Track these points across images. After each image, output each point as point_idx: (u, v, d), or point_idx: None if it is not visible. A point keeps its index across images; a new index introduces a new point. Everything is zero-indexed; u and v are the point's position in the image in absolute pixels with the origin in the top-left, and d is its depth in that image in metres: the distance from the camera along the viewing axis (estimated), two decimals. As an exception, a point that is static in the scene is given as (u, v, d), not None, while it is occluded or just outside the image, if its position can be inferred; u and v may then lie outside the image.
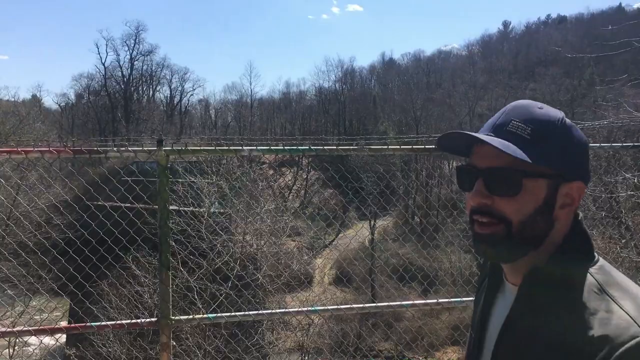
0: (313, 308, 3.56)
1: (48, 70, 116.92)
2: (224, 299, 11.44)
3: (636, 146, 4.21)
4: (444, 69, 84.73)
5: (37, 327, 2.88)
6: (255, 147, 2.91)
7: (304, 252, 26.89)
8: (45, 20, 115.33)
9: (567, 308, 1.02)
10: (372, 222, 33.70)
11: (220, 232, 13.14)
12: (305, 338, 19.08)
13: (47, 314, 15.52)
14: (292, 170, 56.14)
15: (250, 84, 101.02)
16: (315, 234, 32.78)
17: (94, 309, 9.83)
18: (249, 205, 14.67)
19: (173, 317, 3.00)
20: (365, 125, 64.72)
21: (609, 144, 4.04)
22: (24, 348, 16.46)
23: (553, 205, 1.11)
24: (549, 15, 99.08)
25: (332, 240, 36.44)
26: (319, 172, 48.93)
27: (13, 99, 63.86)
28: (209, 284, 11.92)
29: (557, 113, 1.14)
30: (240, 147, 2.93)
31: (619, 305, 0.97)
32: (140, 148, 2.86)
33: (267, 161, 51.62)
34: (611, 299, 0.99)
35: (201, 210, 13.51)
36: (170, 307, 2.94)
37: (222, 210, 14.26)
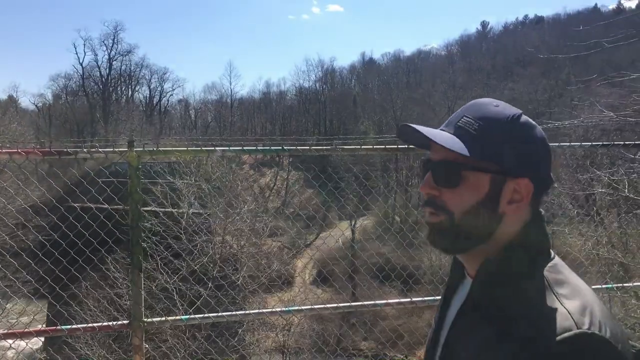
0: (287, 309, 3.57)
1: (24, 70, 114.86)
2: (202, 300, 11.40)
3: (605, 145, 4.35)
4: (424, 69, 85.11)
5: (5, 331, 2.88)
6: (227, 148, 2.95)
7: (285, 252, 26.86)
8: (20, 19, 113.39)
9: (512, 301, 1.06)
10: (353, 222, 33.85)
11: (199, 233, 13.10)
12: (287, 338, 19.09)
13: (25, 318, 15.31)
14: (272, 171, 56.01)
15: (230, 84, 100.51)
16: (296, 234, 32.75)
17: (64, 312, 9.71)
18: (229, 205, 14.65)
19: (145, 319, 3.01)
20: (346, 125, 64.86)
21: (568, 144, 4.16)
22: (2, 352, 16.21)
23: (498, 200, 1.13)
24: (526, 16, 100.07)
25: (313, 240, 36.46)
26: (301, 173, 48.89)
27: (-12, 100, 62.82)
28: (180, 285, 11.88)
29: (509, 111, 1.15)
30: (213, 148, 2.96)
31: (561, 303, 1.01)
32: (112, 149, 2.88)
33: (248, 162, 51.53)
34: (556, 296, 1.03)
35: (180, 211, 13.45)
36: (143, 309, 2.96)
37: (201, 211, 14.22)
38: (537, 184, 1.14)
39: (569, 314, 0.99)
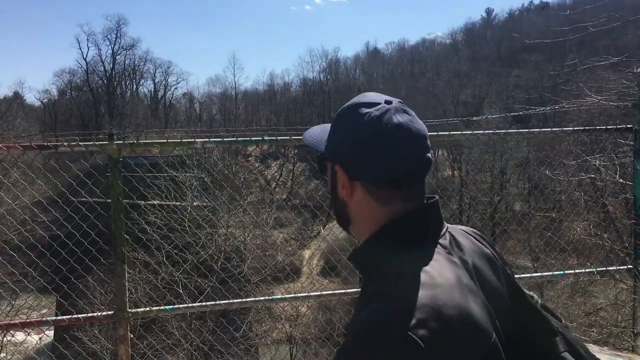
0: (271, 297, 3.66)
1: (29, 66, 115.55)
2: (207, 293, 11.47)
3: (587, 130, 4.40)
4: (428, 58, 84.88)
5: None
6: (208, 139, 2.95)
7: (290, 244, 26.92)
8: (24, 15, 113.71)
9: (364, 289, 1.10)
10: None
11: (203, 225, 13.14)
12: (293, 329, 19.17)
13: (35, 313, 15.45)
14: (277, 163, 56.06)
15: (234, 76, 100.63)
16: (303, 225, 32.81)
17: (71, 308, 9.77)
18: (233, 197, 14.67)
19: (130, 310, 3.04)
20: (351, 116, 64.65)
21: (550, 129, 4.27)
22: (12, 348, 16.39)
23: (335, 186, 1.20)
24: (531, 2, 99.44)
25: (319, 232, 36.51)
26: (307, 164, 48.90)
27: (-6, 96, 63.11)
28: (183, 278, 11.93)
29: (357, 99, 1.17)
30: (193, 139, 2.97)
31: (395, 292, 0.99)
32: (92, 142, 2.88)
33: (253, 154, 51.62)
34: (395, 286, 1.00)
35: (183, 204, 13.48)
36: (127, 299, 2.97)
37: (204, 204, 14.25)
38: (350, 170, 1.13)
39: (383, 301, 0.98)
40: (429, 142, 1.13)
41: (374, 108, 1.11)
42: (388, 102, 1.13)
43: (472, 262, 1.12)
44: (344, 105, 1.18)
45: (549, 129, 4.37)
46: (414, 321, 0.91)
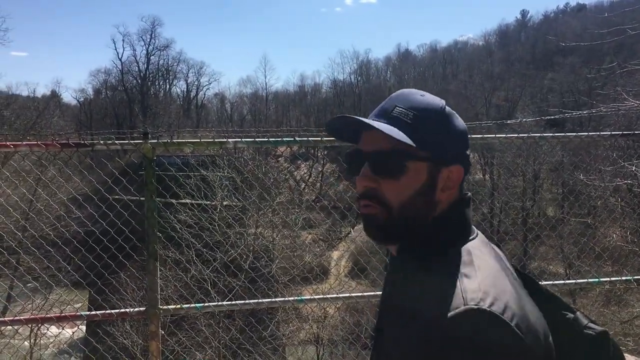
0: (299, 298, 3.66)
1: (66, 66, 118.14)
2: (236, 291, 11.56)
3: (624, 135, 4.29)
4: (461, 60, 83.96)
5: (28, 317, 2.97)
6: (240, 139, 2.97)
7: (319, 245, 26.92)
8: (62, 16, 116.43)
9: (421, 281, 1.07)
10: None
11: (232, 225, 13.24)
12: (321, 330, 19.16)
13: (69, 307, 15.80)
14: (307, 164, 56.14)
15: (265, 77, 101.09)
16: (330, 227, 32.78)
17: (104, 303, 9.98)
18: (262, 197, 14.75)
19: (161, 307, 3.07)
20: (381, 117, 64.28)
21: (585, 134, 4.13)
22: (47, 340, 16.78)
23: (434, 188, 1.15)
24: (567, 4, 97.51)
25: (348, 233, 36.43)
26: (337, 165, 48.88)
27: (32, 95, 64.87)
28: (214, 277, 12.04)
29: (437, 101, 1.18)
30: (225, 139, 2.99)
31: (460, 282, 1.00)
32: (127, 141, 2.93)
33: (282, 154, 51.82)
34: (458, 275, 1.02)
35: (212, 203, 13.62)
36: (158, 296, 3.01)
37: (234, 203, 14.37)
38: (465, 170, 1.19)
39: (462, 291, 0.98)
40: None
41: (449, 108, 1.20)
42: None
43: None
44: (437, 104, 1.17)
45: (585, 134, 4.28)
46: (488, 300, 0.96)
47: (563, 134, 4.23)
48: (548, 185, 34.51)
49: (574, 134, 4.21)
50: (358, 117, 1.15)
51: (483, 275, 1.03)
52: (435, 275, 1.06)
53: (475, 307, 0.94)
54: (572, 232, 19.28)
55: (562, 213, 27.01)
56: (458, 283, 1.00)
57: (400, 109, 1.15)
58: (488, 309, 0.95)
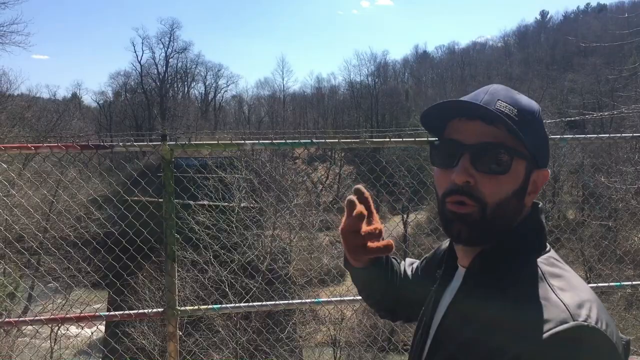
0: (316, 300, 3.67)
1: (86, 69, 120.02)
2: (253, 293, 11.59)
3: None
4: (479, 61, 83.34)
5: (48, 317, 3.00)
6: (257, 141, 2.99)
7: (336, 247, 26.88)
8: (82, 20, 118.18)
9: (507, 292, 1.02)
10: (405, 217, 33.53)
11: (250, 227, 13.28)
12: (337, 332, 19.14)
13: (88, 307, 15.98)
14: (324, 165, 56.14)
15: (283, 79, 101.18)
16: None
17: (123, 304, 10.05)
18: (279, 199, 14.78)
19: (179, 308, 3.09)
20: (398, 119, 64.13)
21: (608, 135, 4.09)
22: (67, 340, 16.99)
23: (525, 191, 1.11)
24: (588, 4, 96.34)
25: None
26: (354, 167, 48.79)
27: (53, 97, 65.87)
28: (231, 278, 12.08)
29: (534, 102, 1.14)
30: (243, 141, 3.01)
31: (556, 295, 0.97)
32: (146, 143, 2.95)
33: (301, 156, 51.90)
34: (550, 288, 0.99)
35: (230, 205, 13.67)
36: (176, 297, 3.02)
37: (252, 205, 14.41)
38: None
39: (565, 306, 0.95)
40: None
41: None
42: None
43: None
44: (534, 105, 1.13)
45: (607, 135, 4.23)
46: (593, 317, 0.94)
47: (583, 135, 4.19)
48: (568, 187, 34.08)
49: (595, 135, 4.16)
50: (479, 103, 1.07)
51: (578, 290, 1.00)
52: (524, 284, 1.02)
53: (586, 324, 0.93)
54: (592, 235, 19.03)
55: (582, 216, 26.66)
56: (553, 295, 0.98)
57: (504, 103, 1.08)
58: (597, 327, 0.93)
